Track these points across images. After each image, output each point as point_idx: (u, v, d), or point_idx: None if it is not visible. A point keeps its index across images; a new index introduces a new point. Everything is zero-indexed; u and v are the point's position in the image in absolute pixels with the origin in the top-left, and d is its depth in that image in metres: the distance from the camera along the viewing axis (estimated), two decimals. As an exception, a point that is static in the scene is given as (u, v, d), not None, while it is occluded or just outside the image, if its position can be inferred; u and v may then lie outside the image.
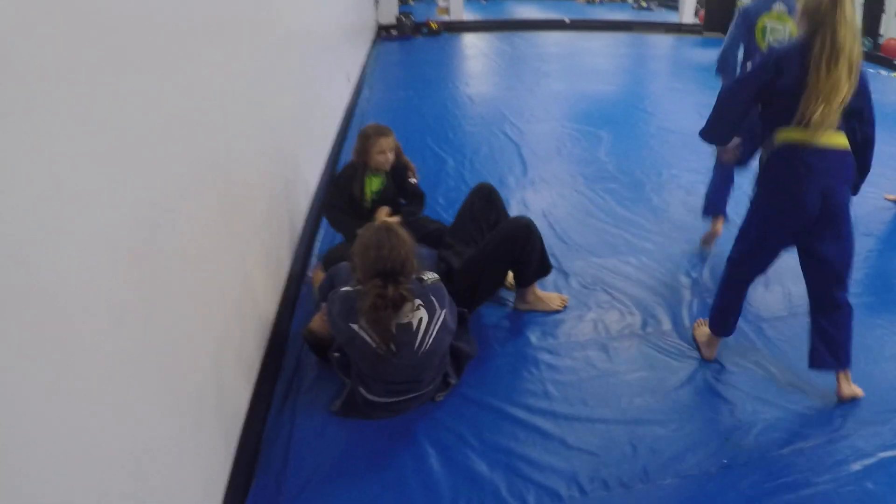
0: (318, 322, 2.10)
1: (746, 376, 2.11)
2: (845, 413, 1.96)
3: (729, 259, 2.10)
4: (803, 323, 2.35)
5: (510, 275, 2.40)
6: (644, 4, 14.17)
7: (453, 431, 1.86)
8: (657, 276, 2.71)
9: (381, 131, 2.60)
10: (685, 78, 6.67)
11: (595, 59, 7.96)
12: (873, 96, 1.89)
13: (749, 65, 1.90)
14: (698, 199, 3.49)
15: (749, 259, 2.03)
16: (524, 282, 2.37)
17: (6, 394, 0.75)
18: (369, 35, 8.40)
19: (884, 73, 7.24)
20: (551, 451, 1.79)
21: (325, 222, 3.13)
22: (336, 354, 1.92)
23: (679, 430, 1.89)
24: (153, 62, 1.28)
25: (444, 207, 3.43)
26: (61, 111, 0.90)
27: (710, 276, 2.71)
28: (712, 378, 2.10)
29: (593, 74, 6.94)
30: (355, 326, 1.75)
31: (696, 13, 10.18)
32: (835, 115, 1.74)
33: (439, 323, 1.82)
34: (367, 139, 2.59)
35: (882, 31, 8.19)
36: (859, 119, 1.86)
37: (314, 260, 2.91)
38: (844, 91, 1.71)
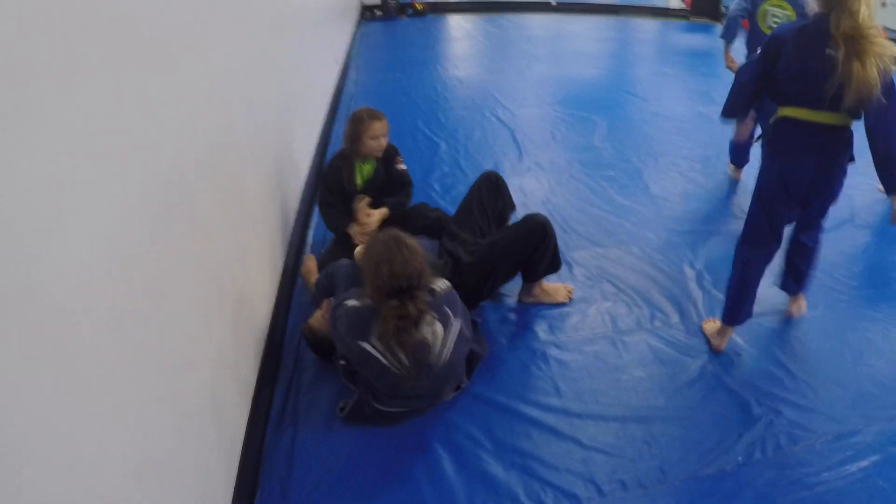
0: (317, 319, 2.01)
1: (755, 372, 2.09)
2: (853, 409, 1.95)
3: (738, 243, 2.11)
4: (811, 319, 2.35)
5: None
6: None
7: (465, 432, 1.80)
8: (661, 266, 2.67)
9: (374, 115, 2.48)
10: (674, 63, 6.62)
11: (583, 42, 7.86)
12: None
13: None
14: (697, 187, 3.49)
15: (761, 221, 2.04)
16: (532, 278, 2.30)
17: (7, 395, 0.70)
18: (353, 15, 8.15)
19: None
20: (566, 452, 1.75)
21: (316, 212, 3.01)
22: (342, 363, 1.81)
23: (693, 427, 1.86)
24: (150, 56, 1.18)
25: (439, 194, 3.33)
26: (57, 107, 0.82)
27: (713, 266, 2.68)
28: (722, 373, 2.07)
29: (582, 58, 6.85)
30: (366, 345, 1.64)
31: (683, -3, 10.11)
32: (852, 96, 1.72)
33: (456, 334, 1.72)
34: (359, 123, 2.46)
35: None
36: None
37: (307, 249, 2.80)
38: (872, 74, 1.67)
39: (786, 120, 1.90)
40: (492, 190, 2.40)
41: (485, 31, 8.56)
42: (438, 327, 1.68)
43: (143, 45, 1.16)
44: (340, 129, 4.40)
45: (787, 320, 2.35)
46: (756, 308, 2.19)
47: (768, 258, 2.09)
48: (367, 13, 9.21)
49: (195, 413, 1.32)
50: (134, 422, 1.01)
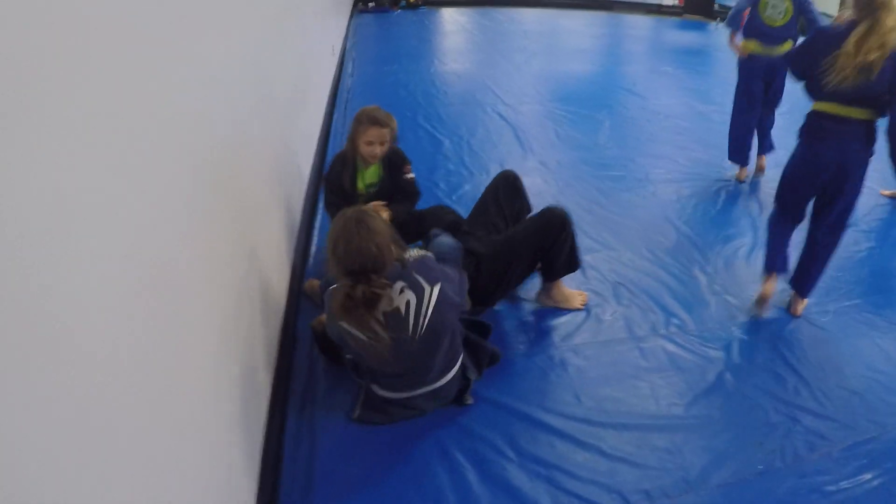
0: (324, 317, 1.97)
1: (771, 379, 2.09)
2: (867, 416, 1.96)
3: (775, 197, 2.42)
4: (821, 325, 2.36)
5: None
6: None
7: (487, 442, 1.76)
8: (673, 270, 2.66)
9: (374, 119, 2.27)
10: (670, 61, 6.62)
11: (578, 38, 7.85)
12: None
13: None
14: (702, 188, 3.48)
15: (786, 195, 2.36)
16: (551, 275, 2.27)
17: (7, 396, 0.63)
18: (347, 7, 8.02)
19: None
20: (590, 462, 1.73)
21: (320, 213, 2.95)
22: (349, 356, 1.80)
23: (713, 436, 1.85)
24: (151, 56, 1.09)
25: (445, 193, 3.29)
26: (57, 106, 0.74)
27: (724, 271, 2.68)
28: (739, 380, 2.07)
29: (578, 54, 6.83)
30: (343, 324, 1.63)
31: (676, -6, 10.12)
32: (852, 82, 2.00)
33: (433, 300, 1.67)
34: (357, 124, 2.31)
35: None
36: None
37: (313, 250, 2.74)
38: (873, 57, 1.94)
39: (818, 113, 2.19)
40: (509, 189, 2.36)
41: (479, 24, 8.50)
42: (411, 295, 1.65)
43: (156, 43, 1.10)
44: (339, 122, 4.34)
45: (799, 327, 2.36)
46: (768, 315, 2.28)
47: (792, 224, 2.39)
48: (360, 4, 9.09)
49: (216, 428, 1.27)
50: (145, 430, 0.96)
